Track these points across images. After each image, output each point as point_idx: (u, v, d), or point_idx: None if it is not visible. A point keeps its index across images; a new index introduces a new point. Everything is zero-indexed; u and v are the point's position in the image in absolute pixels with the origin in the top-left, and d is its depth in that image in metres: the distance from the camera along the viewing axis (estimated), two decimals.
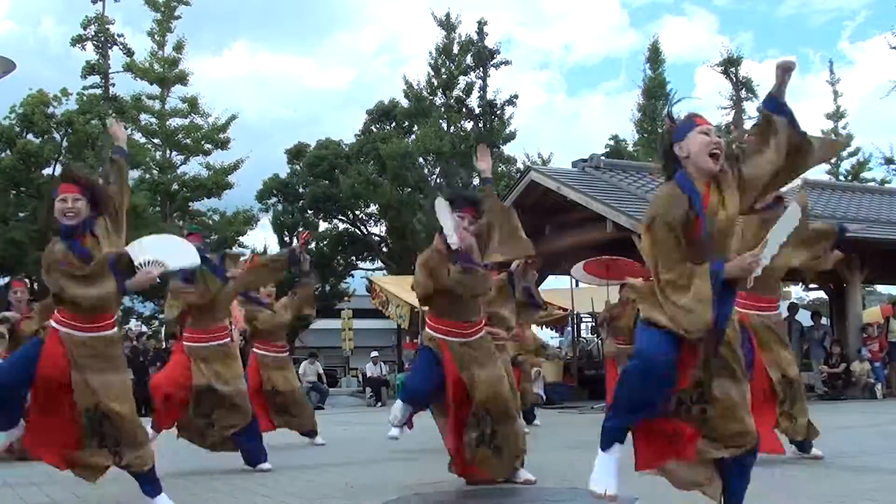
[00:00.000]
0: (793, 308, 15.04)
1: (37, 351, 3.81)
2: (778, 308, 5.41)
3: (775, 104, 3.00)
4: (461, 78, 28.97)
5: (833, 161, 32.43)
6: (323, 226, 32.24)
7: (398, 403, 4.62)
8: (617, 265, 12.21)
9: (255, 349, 7.58)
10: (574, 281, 15.04)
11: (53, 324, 3.82)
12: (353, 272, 32.89)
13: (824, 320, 16.38)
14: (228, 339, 5.78)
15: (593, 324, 12.94)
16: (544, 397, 12.74)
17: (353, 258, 32.80)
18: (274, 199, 31.52)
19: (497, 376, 4.55)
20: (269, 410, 7.29)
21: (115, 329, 3.90)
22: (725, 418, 2.89)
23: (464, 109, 29.02)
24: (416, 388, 4.63)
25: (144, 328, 24.21)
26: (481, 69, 29.02)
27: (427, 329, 4.62)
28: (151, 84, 24.41)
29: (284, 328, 7.72)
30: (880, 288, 27.48)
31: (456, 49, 29.11)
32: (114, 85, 23.51)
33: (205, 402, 5.53)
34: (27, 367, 3.78)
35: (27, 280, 12.00)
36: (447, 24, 29.24)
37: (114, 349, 3.86)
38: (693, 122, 2.96)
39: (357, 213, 31.26)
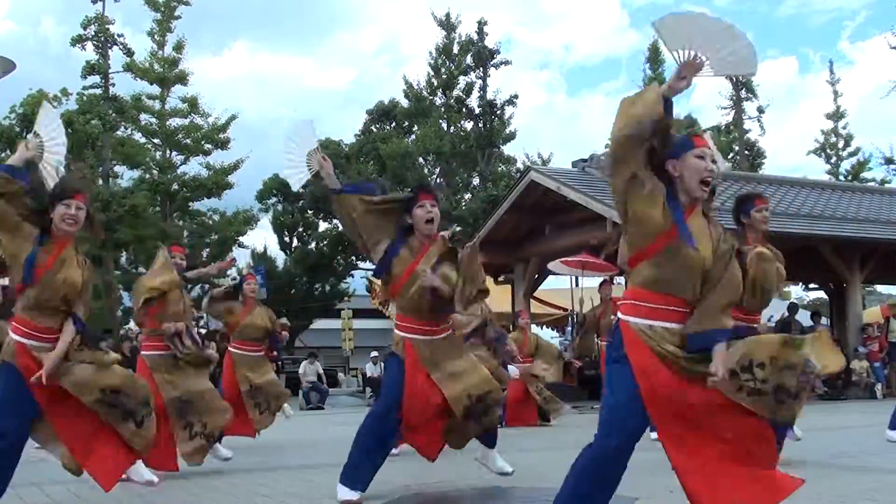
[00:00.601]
0: (793, 308, 15.03)
1: (18, 380, 3.72)
2: (760, 320, 5.39)
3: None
4: (461, 78, 28.99)
5: (833, 161, 32.51)
6: (323, 226, 32.25)
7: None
8: (592, 264, 12.48)
9: (231, 348, 7.39)
10: (574, 281, 15.07)
11: (16, 337, 3.74)
12: (353, 272, 32.91)
13: (824, 320, 16.36)
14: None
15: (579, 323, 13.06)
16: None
17: (353, 258, 32.79)
18: (274, 199, 31.53)
19: (472, 363, 4.42)
20: (246, 414, 7.10)
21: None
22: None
23: (464, 109, 29.04)
24: (388, 404, 4.39)
25: None
26: (481, 69, 29.03)
27: (395, 330, 4.44)
28: (151, 84, 24.40)
29: (260, 330, 7.40)
30: (880, 288, 27.49)
31: (456, 49, 29.13)
32: (114, 85, 23.52)
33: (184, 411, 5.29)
34: (23, 404, 3.74)
35: None
36: (447, 24, 29.25)
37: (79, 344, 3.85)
38: (691, 143, 2.84)
39: None
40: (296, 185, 4.64)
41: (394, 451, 6.15)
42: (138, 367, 5.44)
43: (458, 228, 6.87)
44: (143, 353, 5.49)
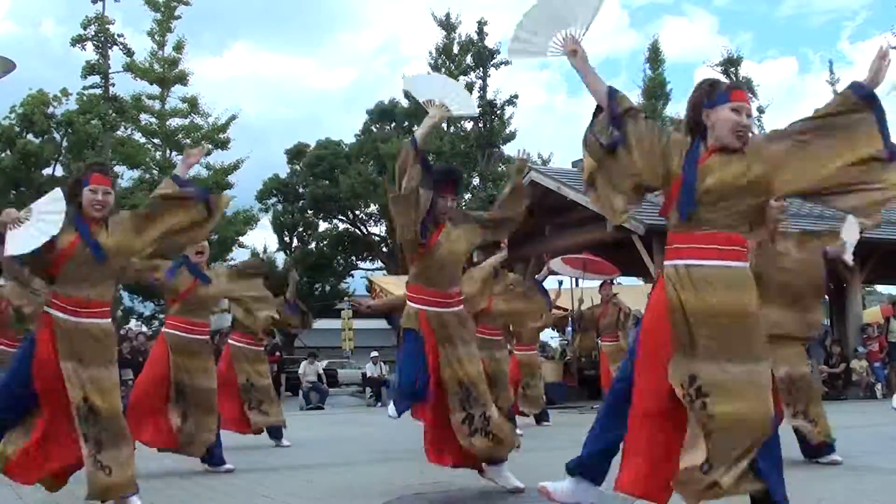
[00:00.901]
0: None
1: (29, 352, 3.76)
2: None
3: (867, 92, 2.74)
4: (461, 78, 29.00)
5: None
6: (323, 226, 32.28)
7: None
8: (594, 264, 12.45)
9: (230, 340, 7.37)
10: (574, 281, 15.06)
11: (46, 308, 3.77)
12: (353, 272, 32.92)
13: (824, 320, 16.36)
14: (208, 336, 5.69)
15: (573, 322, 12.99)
16: (544, 397, 12.76)
17: (353, 258, 32.81)
18: (274, 199, 31.56)
19: (475, 354, 4.42)
20: (242, 409, 7.11)
21: (109, 319, 3.85)
22: (725, 404, 2.69)
23: None
24: (410, 382, 4.36)
25: (144, 328, 24.23)
26: (481, 69, 29.08)
27: (408, 303, 4.45)
28: (151, 84, 24.43)
29: (260, 322, 7.51)
30: (880, 288, 27.50)
31: (456, 49, 29.17)
32: (114, 85, 23.55)
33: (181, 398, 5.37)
34: (22, 379, 3.72)
35: None
36: (447, 25, 29.29)
37: (107, 340, 3.80)
38: (728, 96, 2.87)
39: (357, 213, 31.29)
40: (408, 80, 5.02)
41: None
42: (156, 343, 5.62)
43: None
44: (164, 330, 5.57)
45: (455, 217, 4.51)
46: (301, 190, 31.18)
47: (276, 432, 7.44)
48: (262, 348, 7.53)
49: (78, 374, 3.65)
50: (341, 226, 31.92)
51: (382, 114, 30.88)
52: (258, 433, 7.32)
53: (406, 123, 30.07)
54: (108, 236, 3.77)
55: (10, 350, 6.69)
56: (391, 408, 4.45)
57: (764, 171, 2.79)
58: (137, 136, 24.85)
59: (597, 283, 12.47)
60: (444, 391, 4.29)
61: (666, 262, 2.90)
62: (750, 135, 2.85)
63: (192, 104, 24.82)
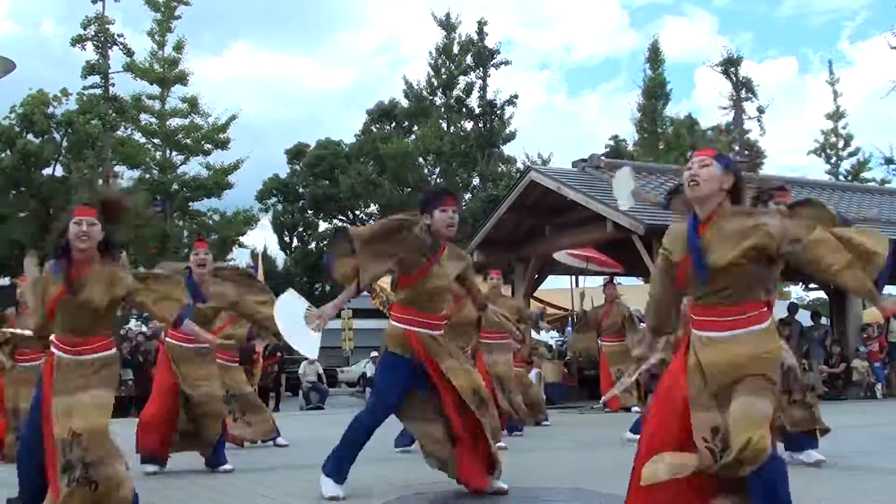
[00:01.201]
0: (793, 308, 15.01)
1: (38, 390, 3.77)
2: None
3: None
4: (461, 78, 29.00)
5: (833, 161, 32.48)
6: (323, 226, 32.27)
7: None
8: (597, 259, 12.49)
9: None
10: (574, 281, 15.06)
11: (52, 348, 3.75)
12: None
13: (824, 320, 16.35)
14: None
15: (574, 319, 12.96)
16: (544, 397, 12.76)
17: None
18: (274, 199, 31.57)
19: (469, 367, 4.47)
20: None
21: (111, 351, 3.73)
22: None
23: (464, 109, 29.04)
24: (389, 402, 4.44)
25: (144, 328, 24.22)
26: (481, 69, 29.04)
27: (393, 323, 4.43)
28: (151, 84, 24.39)
29: (240, 340, 7.44)
30: None
31: (456, 49, 29.13)
32: (114, 85, 23.50)
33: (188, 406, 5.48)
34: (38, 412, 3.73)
35: None
36: (447, 25, 29.26)
37: (104, 369, 3.69)
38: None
39: (357, 213, 31.28)
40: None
41: (409, 447, 6.11)
42: (160, 353, 5.75)
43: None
44: (166, 339, 5.63)
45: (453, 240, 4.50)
46: (301, 190, 31.20)
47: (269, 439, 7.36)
48: (237, 363, 7.42)
49: (66, 408, 3.56)
50: (341, 226, 31.95)
51: (382, 114, 30.88)
52: (242, 445, 7.18)
53: (406, 123, 30.06)
54: (99, 285, 3.64)
55: (24, 363, 6.66)
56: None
57: (754, 245, 2.90)
58: (137, 136, 24.81)
59: (599, 282, 12.48)
60: (460, 402, 4.27)
61: (692, 330, 3.02)
62: (702, 184, 3.00)
63: (192, 104, 24.79)
